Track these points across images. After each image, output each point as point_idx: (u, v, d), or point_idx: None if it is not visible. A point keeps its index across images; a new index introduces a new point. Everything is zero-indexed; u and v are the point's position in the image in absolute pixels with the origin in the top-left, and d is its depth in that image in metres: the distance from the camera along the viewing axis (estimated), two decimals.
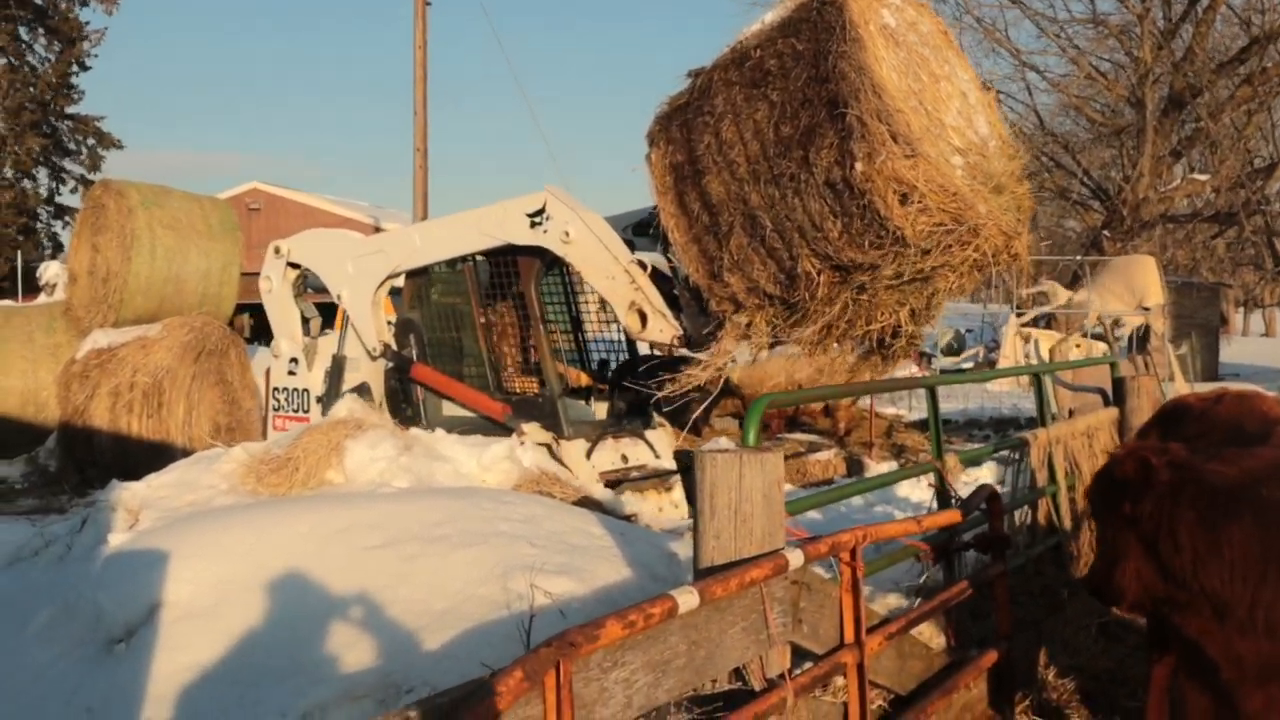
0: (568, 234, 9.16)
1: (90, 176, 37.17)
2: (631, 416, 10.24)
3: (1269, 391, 16.97)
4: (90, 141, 38.57)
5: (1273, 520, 3.77)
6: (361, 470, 7.21)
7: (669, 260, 8.90)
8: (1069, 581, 7.49)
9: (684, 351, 9.14)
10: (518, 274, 10.00)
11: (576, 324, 11.16)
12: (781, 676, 3.85)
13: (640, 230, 9.58)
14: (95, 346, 13.46)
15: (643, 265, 8.97)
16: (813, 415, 16.32)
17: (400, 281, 10.80)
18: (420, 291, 10.64)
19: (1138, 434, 5.80)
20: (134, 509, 7.13)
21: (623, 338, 11.10)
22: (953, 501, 5.86)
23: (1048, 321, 26.39)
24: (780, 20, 7.92)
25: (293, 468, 7.20)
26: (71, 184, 38.62)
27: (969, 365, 29.51)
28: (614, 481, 9.53)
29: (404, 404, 10.63)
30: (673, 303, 8.96)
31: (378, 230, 41.50)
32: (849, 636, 4.24)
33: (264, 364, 16.02)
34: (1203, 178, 30.68)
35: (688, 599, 3.26)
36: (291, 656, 4.47)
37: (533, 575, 4.65)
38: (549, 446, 9.50)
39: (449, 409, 10.29)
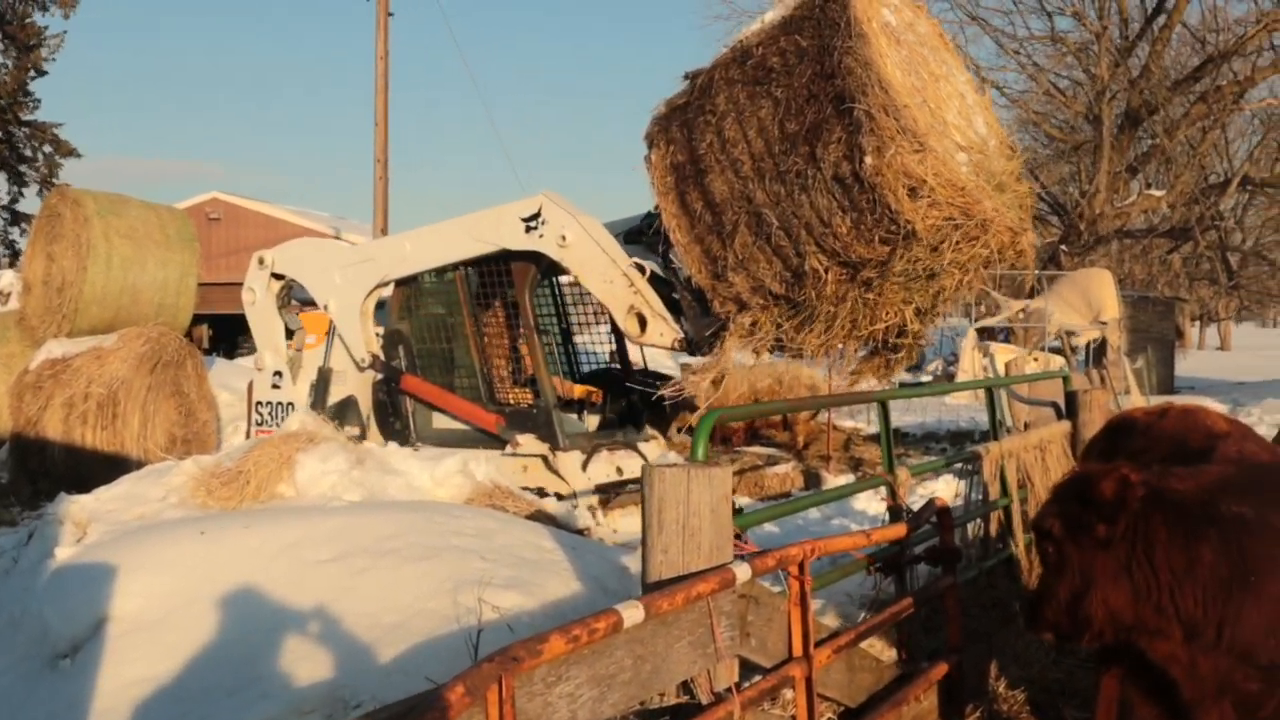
0: (564, 238, 9.06)
1: (49, 183, 36.76)
2: (624, 428, 10.14)
3: (1216, 405, 17.23)
4: (47, 149, 38.15)
5: (1231, 536, 3.80)
6: (313, 484, 7.17)
7: (670, 262, 8.82)
8: (1021, 594, 7.54)
9: (684, 356, 9.11)
10: (511, 281, 9.84)
11: (566, 335, 11.03)
12: (729, 690, 3.86)
13: (632, 238, 9.50)
14: (49, 357, 13.30)
15: (641, 269, 8.87)
16: (772, 428, 16.36)
17: (387, 291, 10.67)
18: (409, 302, 10.47)
19: (1086, 448, 5.86)
20: (82, 522, 7.05)
21: (612, 348, 11.05)
22: (904, 515, 5.89)
23: (1006, 336, 26.59)
24: (782, 18, 7.89)
25: (243, 481, 7.15)
26: (31, 191, 38.17)
27: (928, 379, 29.70)
28: (608, 493, 9.47)
29: (392, 417, 10.46)
30: (672, 307, 8.88)
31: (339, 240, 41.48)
32: (797, 650, 4.25)
33: (222, 375, 15.93)
34: (1158, 194, 31.03)
35: (633, 613, 3.27)
36: (239, 671, 4.44)
37: (482, 589, 4.65)
38: (545, 458, 9.44)
39: (440, 421, 10.14)
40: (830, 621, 5.61)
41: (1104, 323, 23.40)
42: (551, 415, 9.53)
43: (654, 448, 10.33)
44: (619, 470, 9.84)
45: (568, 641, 3.03)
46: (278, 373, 11.11)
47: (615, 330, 10.84)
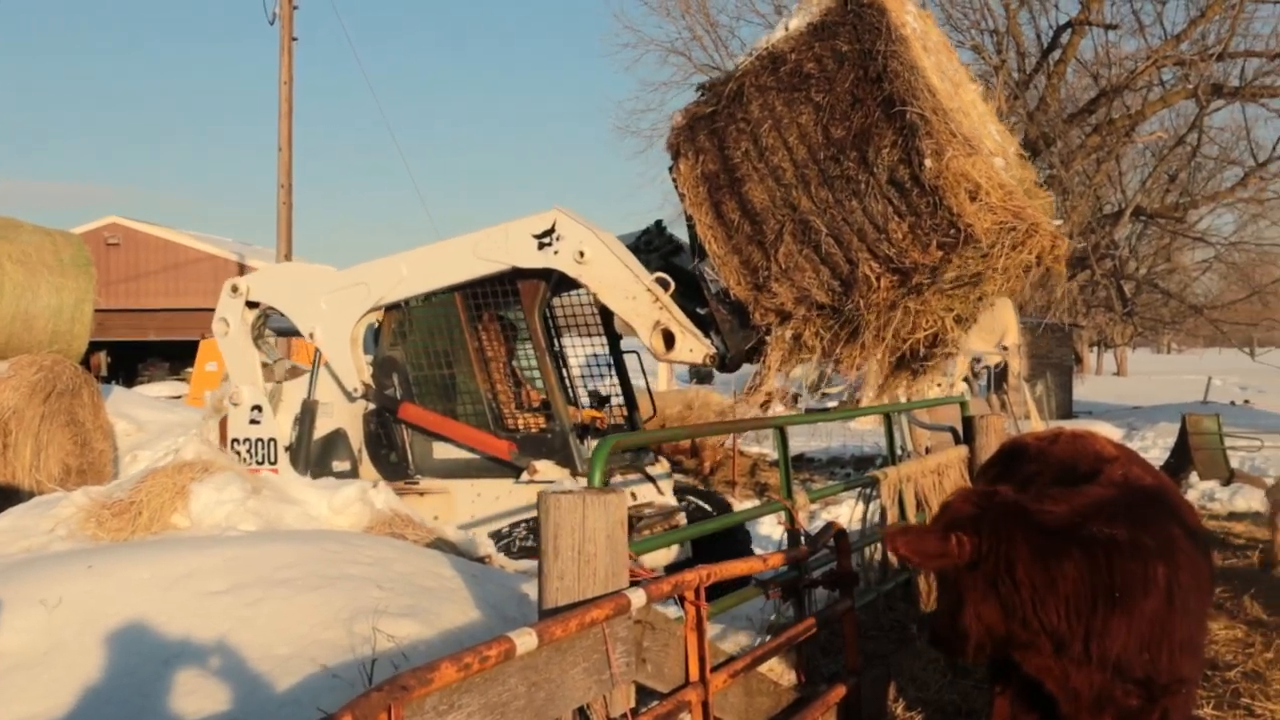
0: (582, 254, 8.70)
1: None
2: (634, 454, 9.83)
3: (1112, 430, 17.72)
4: None
5: (1099, 555, 3.93)
6: (208, 513, 7.04)
7: (701, 274, 8.54)
8: (919, 617, 7.66)
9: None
10: (517, 301, 9.43)
11: (561, 359, 10.55)
12: (624, 716, 3.87)
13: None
14: None
15: (665, 284, 8.58)
16: (681, 454, 16.47)
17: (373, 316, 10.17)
18: (401, 327, 9.98)
19: (980, 472, 6.00)
20: None
21: (611, 373, 10.71)
22: (801, 540, 5.96)
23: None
24: (810, 25, 7.82)
25: (135, 512, 6.99)
26: None
27: (834, 404, 30.04)
28: (630, 520, 9.21)
29: (386, 450, 9.98)
30: (697, 323, 8.65)
31: (243, 267, 40.80)
32: (693, 675, 4.28)
33: (120, 404, 15.56)
34: (1056, 223, 31.76)
35: (526, 640, 3.27)
36: (127, 707, 4.34)
37: (378, 618, 4.61)
38: (562, 480, 9.18)
39: (441, 451, 9.69)
40: (730, 646, 5.64)
41: (1005, 348, 23.86)
42: (569, 439, 9.19)
43: (663, 473, 10.03)
44: (633, 495, 9.48)
45: (459, 669, 3.02)
46: (256, 407, 10.52)
47: (615, 353, 10.68)
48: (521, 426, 9.56)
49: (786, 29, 7.99)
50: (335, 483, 8.12)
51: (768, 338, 8.04)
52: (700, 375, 11.16)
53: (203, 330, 31.00)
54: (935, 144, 6.97)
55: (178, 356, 35.75)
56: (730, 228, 7.96)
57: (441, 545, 7.07)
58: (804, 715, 5.20)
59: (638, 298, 8.57)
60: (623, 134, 69.03)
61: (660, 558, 8.75)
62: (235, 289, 10.52)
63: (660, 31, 56.71)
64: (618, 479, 9.43)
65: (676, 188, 8.42)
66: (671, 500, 9.84)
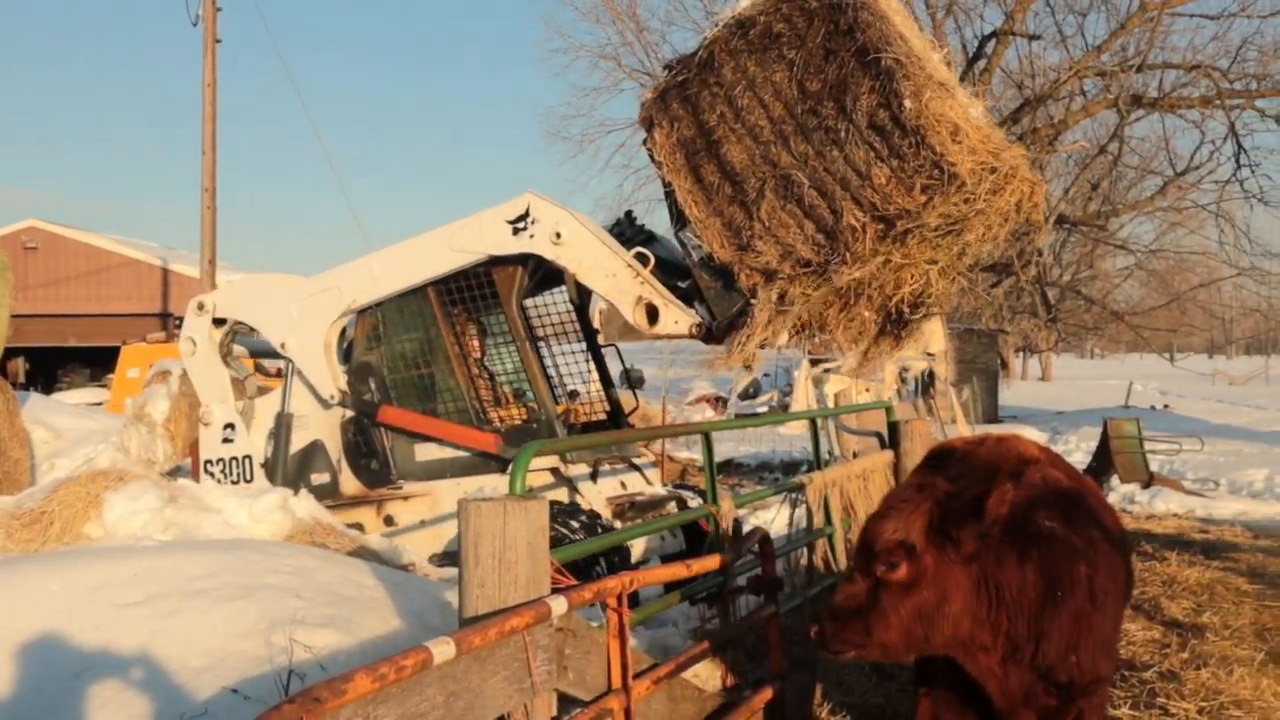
0: (559, 234, 8.57)
1: None
2: (619, 444, 9.71)
3: (1036, 434, 18.02)
4: None
5: (1032, 554, 3.96)
6: (123, 523, 6.89)
7: (684, 242, 8.44)
8: (819, 615, 7.69)
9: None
10: (494, 291, 9.26)
11: (538, 350, 10.22)
12: None
13: None
14: None
15: (644, 258, 8.51)
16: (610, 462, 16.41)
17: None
18: (375, 330, 9.75)
19: (908, 477, 6.02)
20: None
21: (588, 367, 10.59)
22: (725, 545, 5.96)
23: (841, 364, 27.25)
24: None
25: (47, 522, 6.82)
26: None
27: (763, 409, 30.23)
28: (621, 508, 9.18)
29: (366, 457, 9.76)
30: (679, 299, 8.55)
31: (166, 272, 40.18)
32: (616, 682, 4.26)
33: (38, 411, 15.20)
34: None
35: (444, 650, 3.23)
36: None
37: (296, 629, 4.53)
38: (556, 470, 9.08)
39: (424, 452, 9.49)
40: (654, 652, 5.62)
41: (932, 354, 24.16)
42: (555, 425, 9.10)
43: (648, 463, 9.96)
44: (623, 485, 9.51)
45: (374, 680, 2.97)
46: (229, 425, 10.25)
47: (591, 344, 10.59)
48: (504, 420, 9.47)
49: None
50: (255, 490, 7.99)
51: (753, 300, 7.95)
52: (633, 382, 11.15)
53: (124, 336, 30.55)
54: (914, 85, 7.01)
55: (99, 363, 35.07)
56: (710, 191, 7.93)
57: (364, 553, 6.99)
58: None
59: (618, 274, 8.47)
60: (553, 139, 69.06)
61: (641, 548, 8.78)
62: (201, 306, 10.30)
63: (591, 37, 56.78)
64: (605, 469, 9.40)
65: (652, 158, 8.36)
66: (660, 489, 9.82)
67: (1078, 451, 21.76)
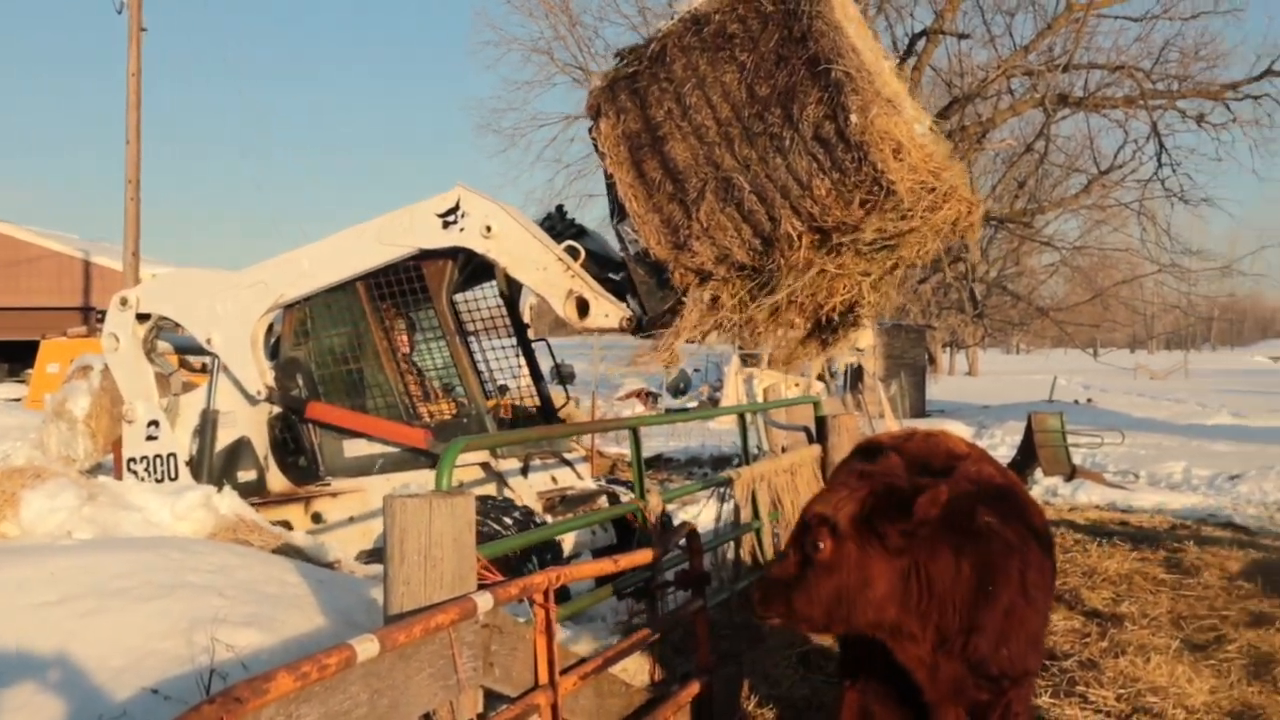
0: (489, 228, 8.49)
1: None
2: (550, 440, 9.65)
3: (963, 428, 18.25)
4: None
5: (967, 547, 4.02)
6: (40, 522, 6.75)
7: (621, 235, 8.42)
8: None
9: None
10: (424, 286, 9.15)
11: (468, 345, 10.06)
12: None
13: None
14: None
15: (574, 252, 8.44)
16: (541, 456, 16.37)
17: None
18: (303, 325, 9.58)
19: (835, 471, 6.08)
20: None
21: (519, 362, 10.51)
22: (653, 540, 5.98)
23: (770, 361, 27.41)
24: None
25: None
26: None
27: (694, 404, 30.33)
28: (552, 503, 9.12)
29: (294, 454, 9.64)
30: (611, 292, 8.48)
31: (88, 264, 39.42)
32: (543, 678, 4.26)
33: None
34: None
35: (367, 647, 3.21)
36: None
37: (217, 628, 4.47)
38: (486, 464, 8.99)
39: (353, 448, 9.35)
40: (582, 648, 5.62)
41: (860, 350, 24.37)
42: (485, 419, 9.02)
43: (579, 458, 9.92)
44: (554, 479, 9.46)
45: (296, 679, 2.94)
46: (153, 422, 10.04)
47: (521, 339, 10.51)
48: (433, 415, 9.40)
49: None
50: (177, 488, 7.87)
51: (685, 299, 7.96)
52: (563, 377, 11.10)
53: (44, 330, 29.93)
54: (861, 100, 7.00)
55: (17, 357, 34.31)
56: (651, 186, 7.88)
57: (289, 551, 6.91)
58: (656, 715, 5.22)
59: (549, 268, 8.42)
60: (484, 132, 68.66)
61: (572, 542, 8.78)
62: (124, 301, 10.09)
63: (523, 30, 56.50)
64: (536, 463, 9.37)
65: (596, 148, 8.30)
66: (591, 484, 9.81)
67: (1003, 445, 22.08)
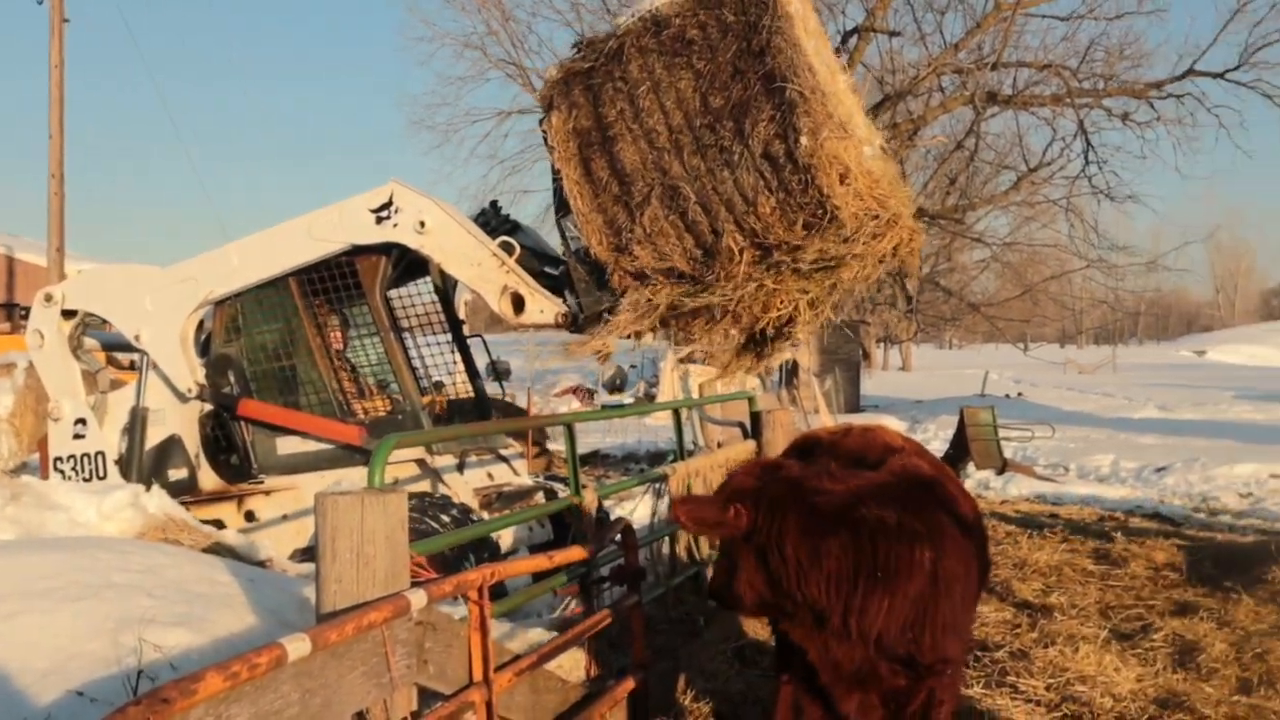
0: (423, 223, 8.44)
1: None
2: (486, 437, 9.59)
3: (897, 423, 18.48)
4: None
5: (866, 535, 4.11)
6: None
7: (563, 230, 8.37)
8: (706, 609, 7.79)
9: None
10: (357, 282, 9.10)
11: (403, 341, 10.06)
12: (405, 719, 3.81)
13: None
14: None
15: (509, 248, 8.42)
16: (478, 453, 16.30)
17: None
18: (234, 321, 9.48)
19: None
20: None
21: (454, 358, 10.42)
22: (588, 536, 5.98)
23: (706, 358, 27.51)
24: None
25: None
26: None
27: (630, 400, 30.36)
28: (489, 499, 9.05)
29: (226, 451, 9.54)
30: (548, 287, 8.50)
31: (11, 260, 38.61)
32: (477, 675, 4.23)
33: None
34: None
35: (299, 646, 3.17)
36: None
37: (145, 628, 4.40)
38: (422, 461, 8.94)
39: (286, 446, 9.28)
40: (518, 644, 5.60)
41: (795, 345, 24.52)
42: (420, 415, 8.97)
43: (516, 454, 9.87)
44: (490, 476, 9.44)
45: (226, 679, 2.90)
46: (80, 420, 9.76)
47: (456, 335, 10.42)
48: (368, 411, 9.32)
49: None
50: (104, 487, 7.73)
51: (622, 300, 7.94)
52: (499, 373, 11.04)
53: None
54: (812, 122, 6.99)
55: None
56: (598, 186, 7.83)
57: (219, 550, 6.82)
58: (591, 710, 5.22)
59: (483, 264, 8.40)
60: (418, 129, 68.18)
61: (509, 538, 8.76)
62: (49, 297, 9.88)
63: (456, 25, 56.18)
64: (473, 459, 9.33)
65: (546, 141, 8.24)
66: (527, 480, 9.78)
67: (936, 439, 22.34)
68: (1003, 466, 17.96)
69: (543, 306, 8.31)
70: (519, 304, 8.32)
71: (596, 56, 8.00)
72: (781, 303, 7.55)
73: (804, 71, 7.13)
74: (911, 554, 4.11)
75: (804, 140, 7.00)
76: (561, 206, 8.29)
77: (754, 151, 7.24)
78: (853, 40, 26.91)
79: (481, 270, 8.39)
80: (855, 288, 7.90)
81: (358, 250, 8.92)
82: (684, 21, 7.69)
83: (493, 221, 9.59)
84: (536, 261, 8.81)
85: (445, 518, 8.14)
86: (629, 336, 8.15)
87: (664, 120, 7.64)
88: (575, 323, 8.40)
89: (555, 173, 8.27)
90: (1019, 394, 36.48)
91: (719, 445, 12.74)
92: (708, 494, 8.05)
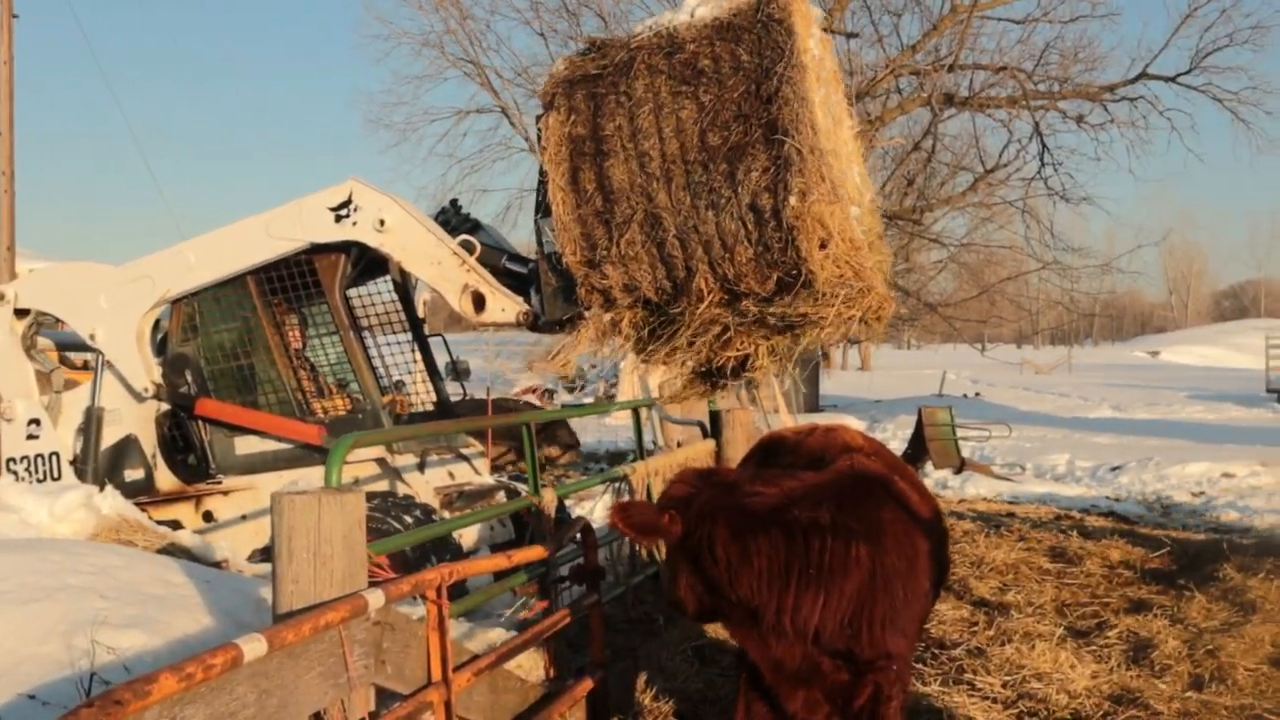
0: (382, 221, 8.37)
1: None
2: (449, 435, 9.53)
3: (856, 422, 18.56)
4: None
5: (797, 535, 4.17)
6: None
7: (540, 231, 8.15)
8: (666, 609, 7.79)
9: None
10: (316, 280, 9.04)
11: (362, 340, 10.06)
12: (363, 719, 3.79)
13: None
14: None
15: (469, 246, 8.36)
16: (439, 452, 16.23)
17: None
18: (191, 320, 9.39)
19: (741, 464, 6.15)
20: None
21: (414, 357, 10.38)
22: (547, 536, 5.97)
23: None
24: (717, 19, 7.51)
25: None
26: None
27: (590, 400, 30.36)
28: (450, 498, 8.99)
29: (184, 451, 9.44)
30: (512, 285, 8.44)
31: None
32: (436, 674, 4.22)
33: None
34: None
35: (254, 647, 3.15)
36: None
37: (98, 630, 4.35)
38: (382, 460, 8.87)
39: (244, 445, 9.20)
40: (477, 644, 5.59)
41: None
42: (380, 414, 8.94)
43: (477, 454, 9.81)
44: (451, 475, 9.38)
45: (180, 680, 2.88)
46: (34, 421, 9.63)
47: (417, 333, 10.36)
48: (328, 410, 9.26)
49: (692, 15, 7.69)
50: (56, 488, 7.64)
51: (586, 313, 7.83)
52: (459, 373, 11.01)
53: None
54: (804, 183, 6.84)
55: None
56: (582, 196, 7.66)
57: (174, 551, 6.76)
58: (551, 710, 5.22)
59: (443, 262, 8.35)
60: (375, 127, 67.79)
61: (471, 538, 8.74)
62: (2, 296, 9.76)
63: (413, 24, 55.91)
64: (434, 458, 9.29)
65: (539, 139, 8.07)
66: (488, 479, 9.74)
67: (894, 439, 22.46)
68: (960, 466, 18.09)
69: (504, 305, 8.27)
70: (480, 302, 8.28)
71: (605, 64, 7.82)
72: (741, 344, 7.51)
73: (807, 128, 6.97)
74: (847, 551, 4.18)
75: (793, 200, 6.87)
76: (542, 208, 8.15)
77: (741, 199, 7.10)
78: None
79: (442, 269, 8.35)
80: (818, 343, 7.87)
81: (316, 249, 8.86)
82: (699, 49, 7.53)
83: (453, 220, 9.55)
84: (497, 259, 8.77)
85: (408, 518, 8.11)
86: (588, 354, 8.12)
87: (659, 146, 7.50)
88: (536, 322, 8.37)
89: (542, 173, 8.22)
90: (976, 394, 36.79)
91: (679, 444, 12.75)
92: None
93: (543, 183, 8.15)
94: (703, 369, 7.82)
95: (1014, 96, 26.08)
